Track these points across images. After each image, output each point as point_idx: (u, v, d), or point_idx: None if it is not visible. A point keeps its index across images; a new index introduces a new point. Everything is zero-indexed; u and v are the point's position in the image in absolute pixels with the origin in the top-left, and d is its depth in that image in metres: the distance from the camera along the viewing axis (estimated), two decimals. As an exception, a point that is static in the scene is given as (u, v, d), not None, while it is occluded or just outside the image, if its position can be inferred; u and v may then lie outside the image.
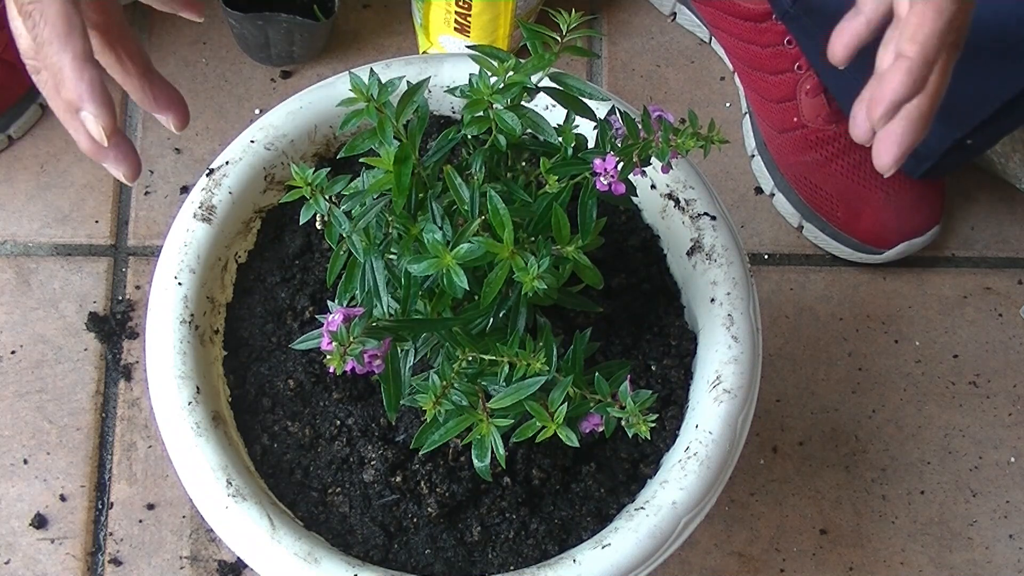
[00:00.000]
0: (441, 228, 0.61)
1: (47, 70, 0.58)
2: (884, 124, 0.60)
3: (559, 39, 0.63)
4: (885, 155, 0.62)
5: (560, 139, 0.64)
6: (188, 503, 1.05)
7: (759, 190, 1.20)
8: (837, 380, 1.14)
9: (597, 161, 0.62)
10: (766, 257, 1.18)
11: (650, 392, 0.62)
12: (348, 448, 0.76)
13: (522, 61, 0.62)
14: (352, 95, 0.60)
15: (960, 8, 0.59)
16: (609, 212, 0.81)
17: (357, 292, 0.65)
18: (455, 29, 1.18)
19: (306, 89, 0.82)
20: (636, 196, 0.69)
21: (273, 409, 0.77)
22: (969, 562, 1.08)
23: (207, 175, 0.79)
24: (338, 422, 0.76)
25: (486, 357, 0.63)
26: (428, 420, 0.63)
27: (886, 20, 0.64)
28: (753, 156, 1.20)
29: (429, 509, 0.74)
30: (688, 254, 0.79)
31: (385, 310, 0.65)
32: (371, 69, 0.63)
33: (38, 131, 1.18)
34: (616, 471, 0.76)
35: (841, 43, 0.64)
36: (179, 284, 0.76)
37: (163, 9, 0.66)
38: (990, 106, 0.99)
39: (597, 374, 0.64)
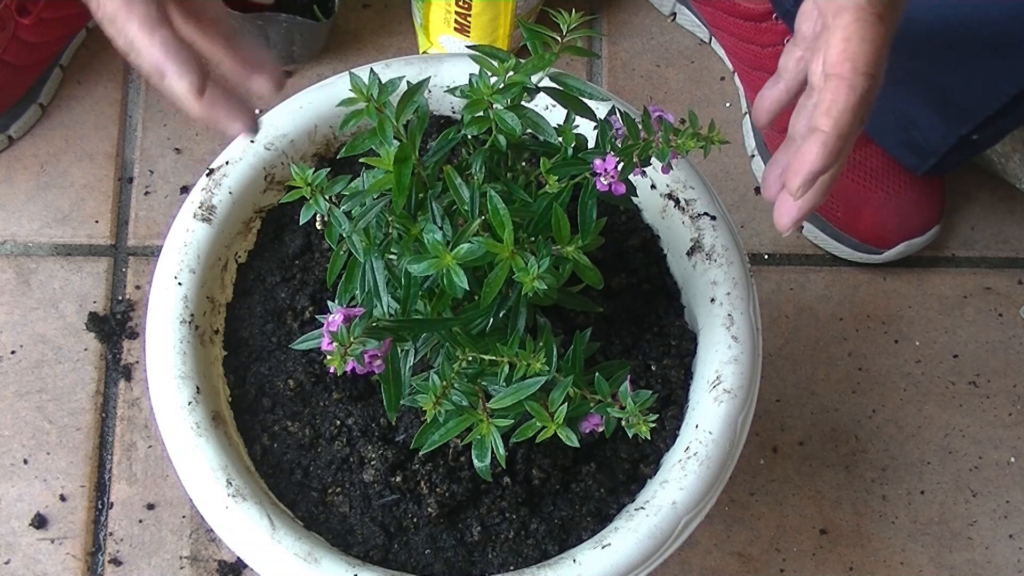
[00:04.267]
0: (441, 228, 0.61)
1: (125, 48, 0.57)
2: (803, 194, 0.62)
3: (559, 39, 0.63)
4: (785, 216, 0.65)
5: (560, 139, 0.64)
6: (188, 503, 1.05)
7: (759, 190, 1.20)
8: (837, 380, 1.14)
9: (597, 161, 0.62)
10: (766, 257, 1.18)
11: (650, 392, 0.62)
12: (348, 448, 0.76)
13: (522, 61, 0.62)
14: (352, 95, 0.60)
15: (872, 85, 0.61)
16: (609, 212, 0.81)
17: (357, 292, 0.65)
18: (455, 29, 1.18)
19: (306, 89, 0.82)
20: (636, 196, 0.69)
21: (273, 409, 0.77)
22: (969, 562, 1.08)
23: (207, 175, 0.79)
24: (338, 422, 0.76)
25: (486, 357, 0.63)
26: (428, 420, 0.63)
27: (803, 86, 0.67)
28: (753, 156, 1.20)
29: (429, 509, 0.74)
30: (688, 254, 0.79)
31: (385, 310, 0.65)
32: (371, 69, 0.63)
33: (38, 131, 1.18)
34: (616, 471, 0.76)
35: (763, 109, 0.69)
36: (179, 284, 0.76)
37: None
38: (996, 101, 0.99)
39: (597, 374, 0.64)
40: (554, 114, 0.73)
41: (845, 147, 0.61)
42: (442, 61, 0.82)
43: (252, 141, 0.79)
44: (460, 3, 1.15)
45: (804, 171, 0.61)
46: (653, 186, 0.80)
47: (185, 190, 1.16)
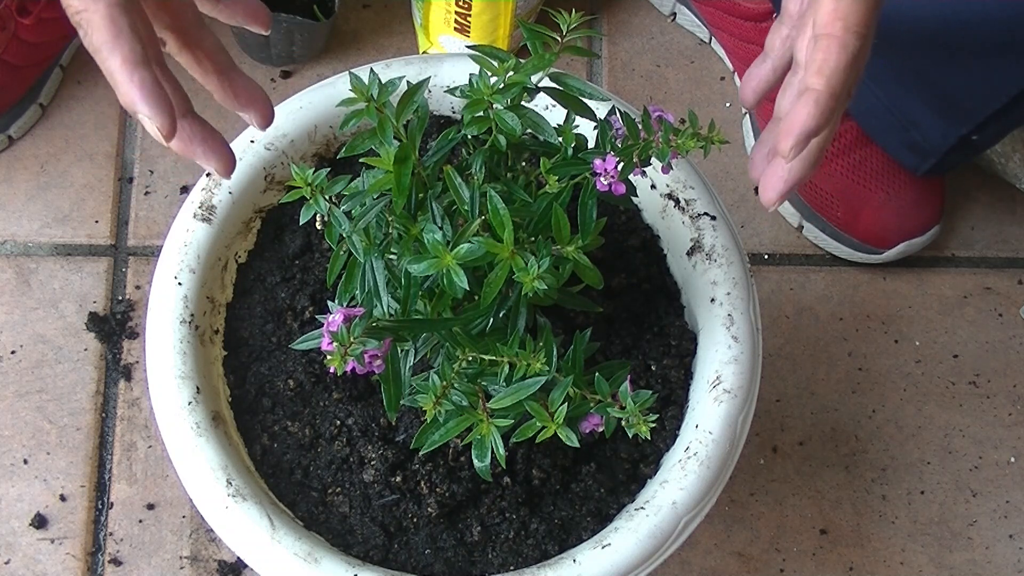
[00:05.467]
0: (441, 228, 0.61)
1: (105, 75, 0.59)
2: (795, 156, 0.60)
3: (559, 39, 0.63)
4: (771, 191, 0.63)
5: (560, 139, 0.64)
6: (188, 503, 1.05)
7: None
8: (837, 380, 1.14)
9: (597, 161, 0.62)
10: (766, 257, 1.18)
11: (650, 392, 0.62)
12: (348, 448, 0.76)
13: (522, 61, 0.62)
14: (352, 95, 0.60)
15: (863, 46, 0.60)
16: (609, 212, 0.81)
17: (357, 292, 0.65)
18: (455, 29, 1.18)
19: (306, 89, 0.82)
20: (636, 196, 0.69)
21: (273, 409, 0.77)
22: (969, 562, 1.08)
23: (207, 175, 0.79)
24: (338, 422, 0.76)
25: (486, 357, 0.63)
26: (428, 420, 0.63)
27: (790, 65, 0.66)
28: (753, 156, 1.20)
29: (429, 509, 0.74)
30: (688, 254, 0.79)
31: (385, 310, 0.65)
32: (371, 69, 0.63)
33: (38, 131, 1.18)
34: (616, 471, 0.76)
35: (750, 88, 0.68)
36: (179, 284, 0.76)
37: (229, 23, 0.67)
38: (996, 101, 0.99)
39: (597, 374, 0.64)
40: (554, 114, 0.73)
41: (837, 108, 0.60)
42: (442, 61, 0.82)
43: (252, 141, 0.79)
44: (460, 3, 1.15)
45: (796, 131, 0.59)
46: (653, 186, 0.80)
47: (185, 190, 1.16)
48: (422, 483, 0.74)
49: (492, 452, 0.62)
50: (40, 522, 1.04)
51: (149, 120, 0.58)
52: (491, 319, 0.64)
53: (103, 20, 0.57)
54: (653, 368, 0.78)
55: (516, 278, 0.59)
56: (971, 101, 1.01)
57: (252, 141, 0.80)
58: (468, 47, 0.65)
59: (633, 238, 0.82)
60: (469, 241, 0.59)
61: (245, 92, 0.66)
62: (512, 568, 0.73)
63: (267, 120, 0.67)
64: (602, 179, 0.62)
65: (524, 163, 0.67)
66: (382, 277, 0.65)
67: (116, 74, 0.58)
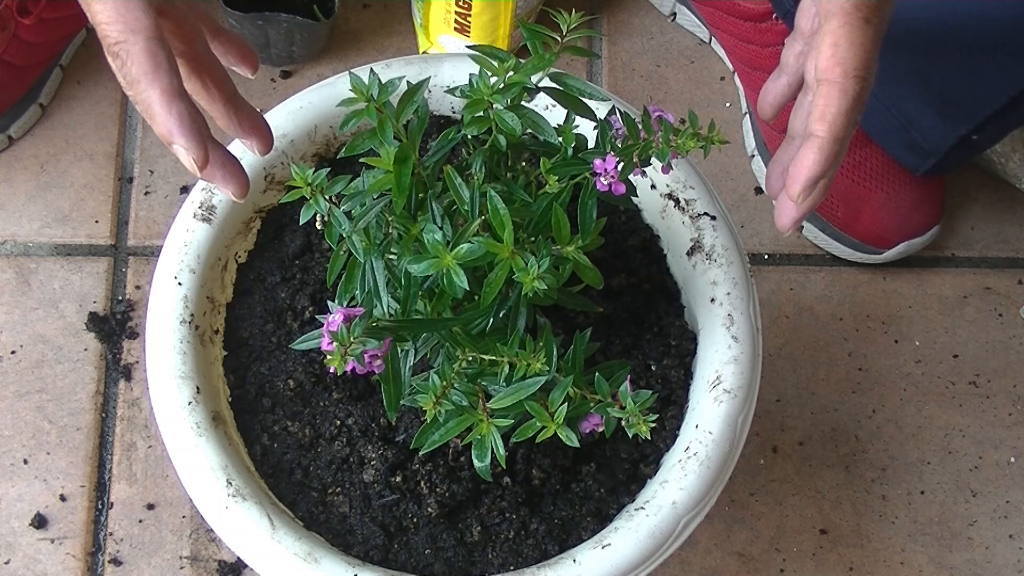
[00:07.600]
0: (441, 228, 0.61)
1: (139, 109, 0.60)
2: (804, 199, 0.62)
3: (559, 39, 0.63)
4: (785, 217, 0.65)
5: (560, 139, 0.64)
6: (188, 503, 1.05)
7: (759, 190, 1.20)
8: (837, 380, 1.14)
9: (597, 161, 0.62)
10: (766, 257, 1.18)
11: (650, 392, 0.62)
12: (348, 448, 0.76)
13: (522, 61, 0.62)
14: (352, 95, 0.60)
15: (863, 88, 0.61)
16: (609, 212, 0.81)
17: (357, 292, 0.65)
18: (455, 29, 1.18)
19: (306, 89, 0.82)
20: (636, 196, 0.69)
21: (273, 409, 0.77)
22: (969, 562, 1.08)
23: (207, 175, 0.79)
24: (338, 422, 0.76)
25: (486, 357, 0.63)
26: (428, 420, 0.63)
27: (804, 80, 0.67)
28: (753, 156, 1.20)
29: (429, 509, 0.74)
30: (688, 254, 0.79)
31: (385, 310, 0.65)
32: (371, 69, 0.63)
33: (38, 131, 1.18)
34: (616, 471, 0.76)
35: (767, 102, 0.69)
36: (179, 284, 0.76)
37: (220, 60, 0.68)
38: (996, 102, 0.99)
39: (597, 374, 0.64)
40: (554, 114, 0.73)
41: (841, 150, 0.62)
42: (442, 61, 0.82)
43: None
44: (460, 3, 1.15)
45: (803, 177, 0.62)
46: (653, 186, 0.80)
47: (185, 190, 1.16)
48: (422, 483, 0.74)
49: (492, 452, 0.62)
50: (40, 522, 1.04)
51: (185, 151, 0.59)
52: (491, 319, 0.64)
53: (142, 52, 0.58)
54: (653, 368, 0.78)
55: (516, 278, 0.59)
56: (971, 101, 1.01)
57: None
58: (468, 47, 0.65)
59: (633, 238, 0.82)
60: (469, 241, 0.59)
61: (249, 120, 0.67)
62: (512, 568, 0.73)
63: (267, 148, 0.68)
64: (602, 179, 0.62)
65: (524, 163, 0.67)
66: (382, 277, 0.65)
67: (155, 106, 0.59)
